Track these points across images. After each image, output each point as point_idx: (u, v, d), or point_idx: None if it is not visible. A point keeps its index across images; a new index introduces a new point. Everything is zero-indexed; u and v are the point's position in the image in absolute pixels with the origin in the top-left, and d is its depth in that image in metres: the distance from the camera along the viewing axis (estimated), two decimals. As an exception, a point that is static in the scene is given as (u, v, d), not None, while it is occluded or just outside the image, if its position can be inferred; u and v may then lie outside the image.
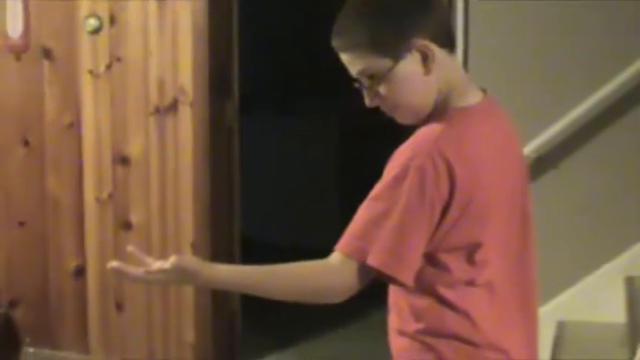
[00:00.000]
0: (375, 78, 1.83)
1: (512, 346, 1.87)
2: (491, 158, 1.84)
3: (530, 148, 3.48)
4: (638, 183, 3.59)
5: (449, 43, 1.87)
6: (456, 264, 1.81)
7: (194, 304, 3.82)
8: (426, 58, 1.82)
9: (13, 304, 4.03)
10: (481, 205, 1.79)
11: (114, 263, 1.81)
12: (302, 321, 4.65)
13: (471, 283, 1.82)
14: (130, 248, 1.86)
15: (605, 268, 3.62)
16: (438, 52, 1.83)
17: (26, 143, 3.96)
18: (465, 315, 1.82)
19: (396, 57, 1.81)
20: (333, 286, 1.78)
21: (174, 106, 3.76)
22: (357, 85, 1.88)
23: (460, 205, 1.77)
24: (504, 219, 1.86)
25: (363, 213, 1.80)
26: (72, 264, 3.97)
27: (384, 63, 1.81)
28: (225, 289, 1.83)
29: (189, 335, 3.85)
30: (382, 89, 1.83)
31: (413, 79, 1.83)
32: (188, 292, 3.80)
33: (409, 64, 1.82)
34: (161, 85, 3.76)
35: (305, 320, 4.65)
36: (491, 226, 1.82)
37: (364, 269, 1.76)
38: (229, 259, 3.91)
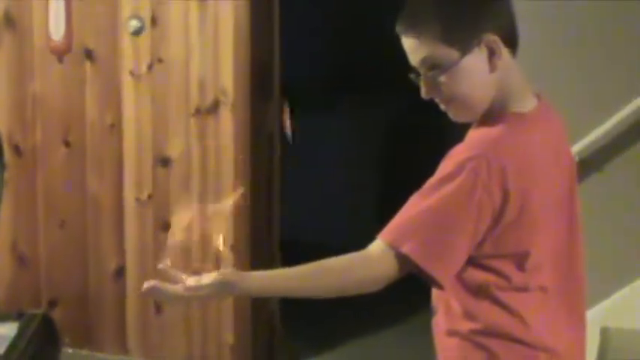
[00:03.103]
0: (439, 68, 1.80)
1: (563, 349, 1.87)
2: (544, 165, 1.83)
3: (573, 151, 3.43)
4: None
5: (513, 44, 1.85)
6: (509, 270, 1.80)
7: (233, 305, 3.81)
8: (492, 55, 1.80)
9: (52, 304, 4.04)
10: (532, 213, 1.78)
11: (151, 282, 1.77)
12: (341, 324, 4.64)
13: (524, 288, 1.81)
14: (161, 266, 1.81)
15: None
16: (504, 51, 1.81)
17: (67, 144, 3.97)
18: (519, 317, 1.82)
19: (465, 49, 1.79)
20: (373, 275, 1.77)
21: (215, 107, 3.75)
22: (413, 75, 1.86)
23: (512, 213, 1.76)
24: (553, 225, 1.85)
25: (410, 206, 1.79)
26: (111, 264, 3.97)
27: (451, 54, 1.79)
28: (266, 295, 1.80)
29: (229, 337, 3.84)
30: (443, 80, 1.81)
31: (476, 74, 1.81)
32: (227, 293, 3.78)
33: (475, 59, 1.80)
34: (202, 86, 3.76)
35: (344, 323, 4.64)
36: (541, 233, 1.82)
37: (403, 260, 1.75)
38: (270, 262, 3.90)
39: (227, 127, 3.76)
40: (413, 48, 1.82)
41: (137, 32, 3.80)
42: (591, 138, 3.49)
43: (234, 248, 3.76)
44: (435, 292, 1.92)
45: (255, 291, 1.80)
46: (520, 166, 1.76)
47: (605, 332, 3.51)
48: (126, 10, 3.82)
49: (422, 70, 1.83)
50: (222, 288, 1.75)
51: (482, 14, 1.81)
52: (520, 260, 1.80)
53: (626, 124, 3.51)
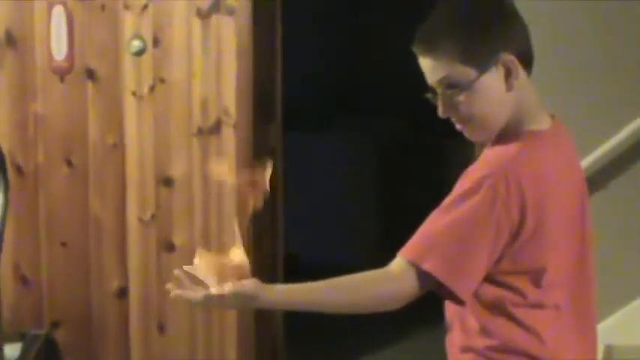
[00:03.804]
0: (456, 87, 1.82)
1: None
2: (558, 184, 1.85)
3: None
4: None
5: (529, 64, 1.87)
6: (525, 286, 1.82)
7: (237, 324, 3.80)
8: (509, 74, 1.82)
9: (54, 326, 4.03)
10: (548, 230, 1.81)
11: (176, 291, 1.78)
12: (345, 341, 4.64)
13: (539, 305, 1.83)
14: (177, 272, 1.83)
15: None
16: (520, 71, 1.82)
17: (69, 164, 3.97)
18: (535, 334, 1.83)
19: (482, 69, 1.81)
20: (394, 292, 1.79)
21: (217, 128, 3.76)
22: (429, 95, 1.87)
23: (529, 230, 1.78)
24: (566, 244, 1.87)
25: (430, 223, 1.81)
26: (114, 285, 3.97)
27: (469, 73, 1.81)
28: (284, 308, 1.82)
29: (232, 356, 3.83)
30: (461, 100, 1.82)
31: (493, 93, 1.83)
32: (231, 313, 3.78)
33: (493, 78, 1.82)
34: (204, 106, 3.76)
35: (348, 341, 4.64)
36: (555, 251, 1.84)
37: (424, 277, 1.76)
38: (272, 281, 3.88)
39: (229, 147, 3.76)
40: (430, 67, 1.84)
41: (139, 53, 3.81)
42: (595, 155, 3.50)
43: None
44: (449, 309, 1.93)
45: (276, 304, 1.83)
46: (536, 183, 1.79)
47: (608, 350, 3.51)
48: (128, 30, 3.82)
49: (439, 90, 1.84)
50: (243, 299, 1.78)
51: (499, 34, 1.83)
52: (536, 277, 1.82)
53: (630, 143, 3.52)
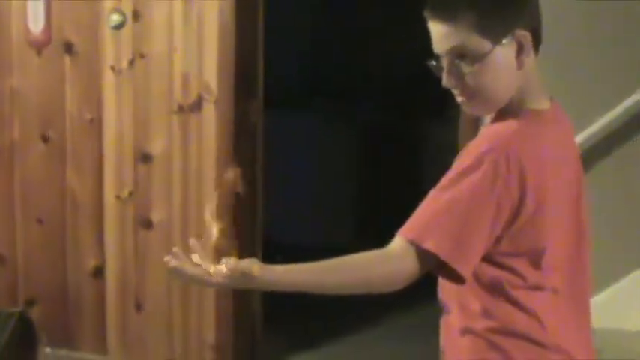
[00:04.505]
0: (467, 58, 1.77)
1: (575, 352, 1.86)
2: (557, 164, 1.82)
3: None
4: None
5: (538, 43, 1.84)
6: (525, 268, 1.79)
7: (215, 304, 3.76)
8: (521, 51, 1.79)
9: (30, 303, 3.98)
10: (548, 211, 1.77)
11: (172, 262, 1.72)
12: (325, 323, 4.61)
13: (538, 287, 1.80)
14: (192, 240, 1.76)
15: (637, 273, 3.55)
16: (531, 49, 1.80)
17: (46, 139, 3.90)
18: (535, 316, 1.81)
19: (497, 41, 1.77)
20: (395, 272, 1.74)
21: (198, 104, 3.70)
22: (433, 62, 1.82)
23: (529, 209, 1.75)
24: (564, 227, 1.84)
25: (429, 201, 1.77)
26: (91, 263, 3.91)
27: (483, 45, 1.77)
28: (283, 289, 1.76)
29: (210, 336, 3.80)
30: (470, 71, 1.78)
31: (504, 68, 1.79)
32: (209, 292, 3.74)
33: (505, 53, 1.78)
34: (185, 82, 3.70)
35: (328, 322, 4.62)
36: (555, 232, 1.81)
37: (425, 256, 1.72)
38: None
39: (210, 124, 3.71)
40: (443, 34, 1.79)
41: (118, 26, 3.74)
42: (581, 138, 3.48)
43: (216, 245, 3.71)
44: (447, 291, 1.89)
45: (274, 284, 1.76)
46: (537, 162, 1.76)
47: (594, 333, 3.49)
48: (107, 3, 3.75)
49: (447, 58, 1.80)
50: (240, 278, 1.72)
51: (517, 8, 1.80)
52: (535, 258, 1.79)
53: (618, 124, 3.50)
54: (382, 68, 6.16)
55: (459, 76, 1.80)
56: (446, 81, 1.81)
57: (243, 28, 3.68)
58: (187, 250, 1.76)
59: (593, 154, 3.50)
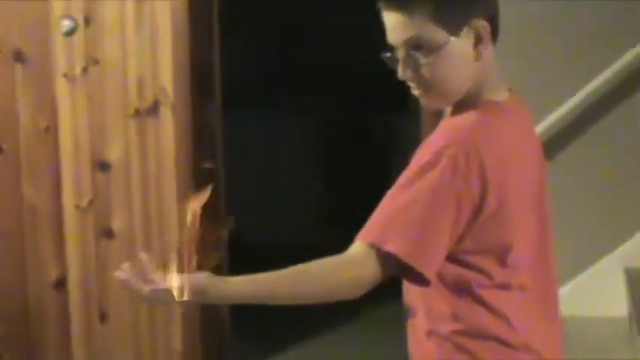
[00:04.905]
0: (424, 49, 1.72)
1: (543, 348, 1.81)
2: (518, 158, 1.77)
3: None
4: (633, 173, 3.52)
5: (496, 34, 1.78)
6: (491, 266, 1.74)
7: (182, 313, 3.69)
8: (480, 42, 1.73)
9: (-10, 319, 3.89)
10: (511, 206, 1.72)
11: (121, 274, 1.65)
12: (292, 327, 4.56)
13: (506, 286, 1.75)
14: (125, 264, 1.67)
15: (604, 260, 3.54)
16: (489, 41, 1.75)
17: (0, 150, 3.80)
18: (503, 316, 1.76)
19: (454, 32, 1.71)
20: (356, 278, 1.67)
21: (154, 108, 3.63)
22: (387, 55, 1.77)
23: (492, 205, 1.69)
24: (527, 222, 1.79)
25: (388, 201, 1.70)
26: (52, 275, 3.82)
27: (440, 35, 1.71)
28: (239, 302, 1.69)
29: (177, 344, 3.73)
30: (426, 62, 1.72)
31: (461, 59, 1.74)
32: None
33: (462, 44, 1.73)
34: (141, 86, 3.63)
35: (296, 326, 4.57)
36: (520, 228, 1.76)
37: (386, 259, 1.66)
38: (217, 265, 3.80)
39: (168, 128, 3.64)
40: (399, 25, 1.73)
41: (70, 32, 3.66)
42: (540, 128, 3.46)
43: (179, 250, 3.65)
44: (412, 293, 1.84)
45: (230, 298, 1.68)
46: (497, 156, 1.70)
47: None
48: (58, 8, 3.66)
49: (403, 50, 1.74)
50: (194, 293, 1.63)
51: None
52: (502, 256, 1.74)
53: (575, 113, 3.49)
54: (343, 63, 6.12)
55: (415, 68, 1.74)
56: (402, 73, 1.76)
57: (198, 29, 3.62)
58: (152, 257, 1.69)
59: (553, 144, 3.48)
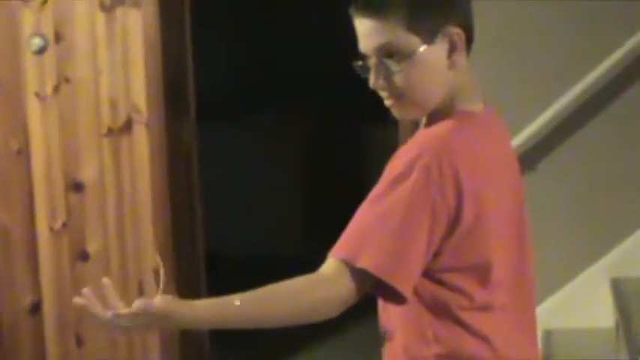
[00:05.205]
0: (396, 57, 1.65)
1: None
2: (495, 170, 1.70)
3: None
4: (617, 181, 3.48)
5: (470, 42, 1.72)
6: (471, 287, 1.66)
7: (160, 334, 3.61)
8: (454, 50, 1.67)
9: (-36, 346, 3.79)
10: (489, 219, 1.65)
11: (78, 299, 1.56)
12: (275, 340, 4.49)
13: (487, 307, 1.68)
14: (106, 279, 1.58)
15: (590, 271, 3.49)
16: (463, 49, 1.69)
17: (-29, 173, 3.72)
18: (484, 339, 1.68)
19: (428, 39, 1.65)
20: (328, 297, 1.59)
21: (128, 126, 3.56)
22: (359, 63, 1.70)
23: (468, 218, 1.62)
24: (506, 236, 1.72)
25: (360, 215, 1.63)
26: (27, 299, 3.73)
27: (413, 42, 1.65)
28: (208, 327, 1.60)
29: (156, 364, 3.65)
30: (399, 70, 1.66)
31: (434, 67, 1.67)
32: (153, 322, 3.59)
33: (436, 52, 1.67)
34: (113, 104, 3.56)
35: (278, 339, 4.49)
36: (498, 243, 1.69)
37: (360, 276, 1.58)
38: (195, 281, 3.74)
39: (142, 147, 3.57)
40: (371, 31, 1.67)
41: (40, 51, 3.59)
42: (521, 138, 3.41)
43: (156, 271, 3.58)
44: (386, 317, 1.76)
45: (196, 322, 1.60)
46: (472, 165, 1.63)
47: (547, 335, 3.42)
48: (27, 27, 3.59)
49: (374, 58, 1.68)
50: (157, 318, 1.55)
51: (450, 5, 1.69)
52: (482, 274, 1.67)
53: (556, 122, 3.44)
54: (319, 75, 6.08)
55: (387, 77, 1.68)
56: (373, 82, 1.69)
57: (170, 44, 3.56)
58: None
59: (535, 153, 3.44)
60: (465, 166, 1.62)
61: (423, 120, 1.79)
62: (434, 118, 1.72)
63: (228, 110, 6.01)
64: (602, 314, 3.39)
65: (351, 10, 1.71)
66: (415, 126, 3.26)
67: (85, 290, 1.57)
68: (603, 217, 3.47)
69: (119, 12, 3.53)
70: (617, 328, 3.27)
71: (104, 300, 1.56)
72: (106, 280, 1.58)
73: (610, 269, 3.44)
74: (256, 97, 6.26)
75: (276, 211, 5.87)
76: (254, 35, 6.29)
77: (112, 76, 3.55)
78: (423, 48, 1.65)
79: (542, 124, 3.44)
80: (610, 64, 3.37)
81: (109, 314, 1.55)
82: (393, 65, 1.66)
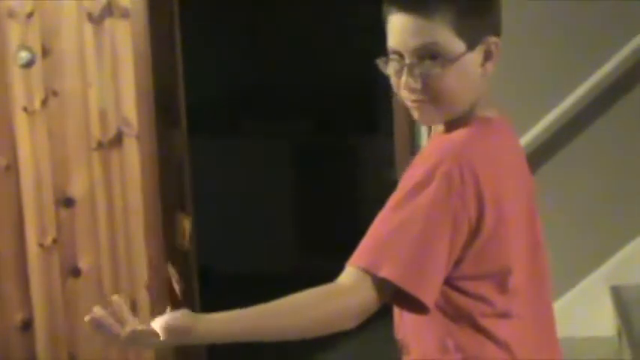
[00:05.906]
0: (440, 59, 1.60)
1: None
2: (512, 175, 1.67)
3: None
4: (616, 189, 3.45)
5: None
6: (491, 294, 1.63)
7: (155, 350, 3.55)
8: (489, 59, 1.64)
9: (-46, 366, 3.73)
10: (509, 225, 1.62)
11: (95, 315, 1.49)
12: (275, 354, 4.44)
13: (507, 314, 1.64)
14: (116, 297, 1.53)
15: (589, 279, 3.45)
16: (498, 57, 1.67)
17: (-41, 190, 3.66)
18: (506, 347, 1.65)
19: (471, 45, 1.62)
20: (349, 307, 1.54)
21: (118, 140, 3.51)
22: (382, 59, 1.65)
23: (490, 224, 1.58)
24: (524, 241, 1.69)
25: (380, 224, 1.58)
26: (17, 317, 3.67)
27: (458, 46, 1.61)
28: (224, 341, 1.54)
29: (151, 382, 3.59)
30: (437, 72, 1.61)
31: (470, 75, 1.65)
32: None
33: (474, 59, 1.64)
34: (103, 117, 3.51)
35: (279, 353, 4.43)
36: (516, 246, 1.65)
37: (381, 286, 1.53)
38: (188, 297, 3.69)
39: (133, 160, 3.52)
40: (416, 29, 1.61)
41: (28, 64, 3.53)
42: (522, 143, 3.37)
43: (149, 287, 3.53)
44: (402, 328, 1.73)
45: (212, 336, 1.54)
46: (492, 172, 1.60)
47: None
48: (14, 40, 3.53)
49: (412, 57, 1.62)
50: (172, 334, 1.49)
51: (493, 13, 1.67)
52: (502, 281, 1.63)
53: (557, 128, 3.41)
54: (310, 87, 6.05)
55: (422, 78, 1.62)
56: (405, 81, 1.63)
57: (160, 55, 3.51)
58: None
59: (535, 159, 3.40)
60: (485, 173, 1.59)
61: (438, 126, 1.75)
62: (453, 124, 1.68)
63: (220, 120, 5.98)
64: (602, 322, 3.36)
65: (391, 4, 1.65)
66: (410, 137, 3.25)
67: (97, 308, 1.51)
68: (602, 225, 3.43)
69: (107, 23, 3.48)
70: (620, 335, 3.22)
71: (117, 316, 1.50)
72: (116, 298, 1.52)
73: (610, 277, 3.40)
74: (247, 109, 6.21)
75: (265, 225, 5.84)
76: (245, 46, 6.24)
77: (102, 89, 3.50)
78: (467, 54, 1.62)
79: (540, 132, 3.40)
80: (610, 67, 3.34)
81: (126, 330, 1.49)
82: (434, 67, 1.61)
